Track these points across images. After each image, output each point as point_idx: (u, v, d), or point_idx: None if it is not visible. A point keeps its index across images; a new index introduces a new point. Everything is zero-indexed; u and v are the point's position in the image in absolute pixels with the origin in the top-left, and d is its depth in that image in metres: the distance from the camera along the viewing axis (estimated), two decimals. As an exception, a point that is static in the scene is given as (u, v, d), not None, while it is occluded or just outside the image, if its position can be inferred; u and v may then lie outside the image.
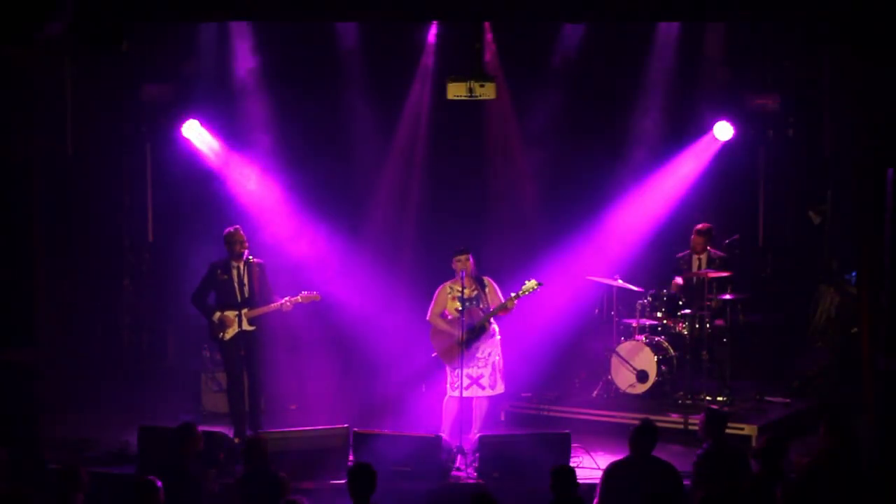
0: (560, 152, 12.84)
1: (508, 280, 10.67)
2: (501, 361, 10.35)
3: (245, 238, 10.69)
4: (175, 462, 8.30)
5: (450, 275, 10.39)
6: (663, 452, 8.22)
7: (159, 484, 7.34)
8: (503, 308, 10.20)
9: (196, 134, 12.56)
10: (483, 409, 10.42)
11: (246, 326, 10.62)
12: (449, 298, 10.32)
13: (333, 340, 12.50)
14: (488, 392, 10.30)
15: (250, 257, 10.73)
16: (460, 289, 10.15)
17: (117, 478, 9.56)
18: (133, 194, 13.01)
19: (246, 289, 10.63)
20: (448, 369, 10.34)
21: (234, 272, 10.64)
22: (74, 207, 12.42)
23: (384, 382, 12.26)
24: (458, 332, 10.16)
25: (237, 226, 10.83)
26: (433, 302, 10.40)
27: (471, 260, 10.22)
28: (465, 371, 10.16)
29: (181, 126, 12.56)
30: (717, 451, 8.20)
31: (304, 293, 10.63)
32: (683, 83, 12.67)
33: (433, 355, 10.48)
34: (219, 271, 10.67)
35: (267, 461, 8.20)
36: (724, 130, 12.51)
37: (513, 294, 10.17)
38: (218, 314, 10.64)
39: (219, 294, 10.68)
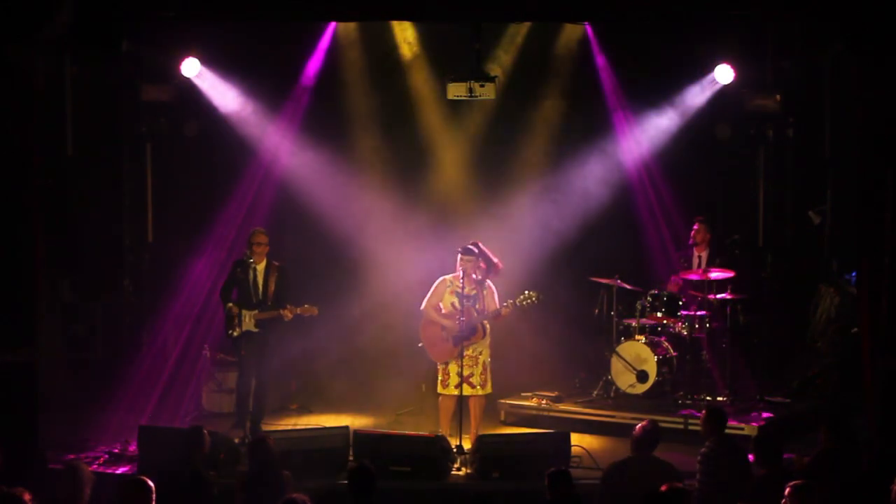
0: (560, 151, 12.85)
1: (508, 280, 10.67)
2: (490, 362, 10.34)
3: (265, 240, 10.69)
4: (185, 464, 8.29)
5: (450, 270, 10.37)
6: (663, 452, 8.22)
7: (151, 485, 7.34)
8: (497, 315, 10.20)
9: (196, 71, 12.43)
10: (480, 409, 10.40)
11: (251, 328, 10.63)
12: (447, 292, 10.30)
13: (333, 340, 12.50)
14: (478, 391, 10.26)
15: (273, 262, 10.73)
16: (461, 286, 10.14)
17: (117, 478, 9.56)
18: (133, 194, 13.01)
19: (260, 290, 10.63)
20: (439, 366, 10.33)
21: (251, 272, 10.64)
22: (74, 207, 12.41)
23: (384, 382, 12.26)
24: (451, 328, 10.15)
25: (259, 227, 10.82)
26: (430, 293, 10.36)
27: (479, 263, 10.18)
28: (456, 369, 10.16)
29: (181, 126, 12.55)
30: (720, 448, 8.20)
31: (306, 305, 10.61)
32: (683, 83, 12.68)
33: (419, 345, 10.46)
34: (238, 269, 10.70)
35: (271, 460, 8.20)
36: (725, 73, 12.39)
37: (509, 301, 10.16)
38: (229, 306, 10.66)
39: (238, 291, 10.71)
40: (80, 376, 12.41)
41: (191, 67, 12.34)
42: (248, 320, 10.60)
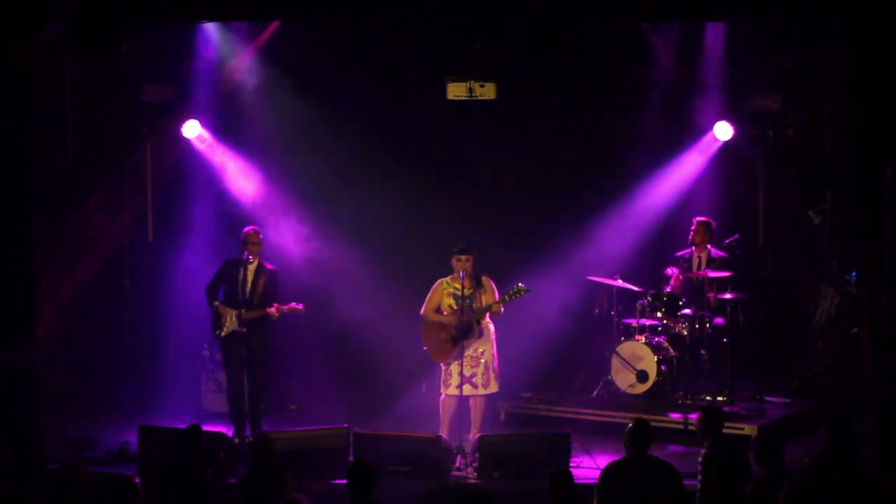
0: (560, 151, 12.84)
1: (507, 280, 10.66)
2: (495, 361, 10.35)
3: (259, 241, 10.72)
4: (185, 463, 8.30)
5: (448, 272, 10.38)
6: (663, 452, 8.22)
7: (137, 481, 7.35)
8: (489, 310, 10.21)
9: (196, 134, 12.58)
10: (480, 409, 10.42)
11: (237, 328, 10.62)
12: (445, 294, 10.34)
13: (333, 340, 12.50)
14: (481, 391, 10.29)
15: (264, 263, 10.74)
16: (458, 286, 10.15)
17: (113, 477, 9.56)
18: (133, 194, 13.01)
19: (248, 289, 10.63)
20: (442, 367, 10.35)
21: (242, 271, 10.65)
22: (74, 207, 12.42)
23: (383, 382, 12.26)
24: (450, 329, 10.16)
25: (255, 227, 10.86)
26: (429, 296, 10.41)
27: (471, 261, 10.22)
28: (457, 370, 10.16)
29: (181, 126, 12.56)
30: (719, 449, 8.18)
31: (293, 304, 10.62)
32: (683, 83, 12.68)
33: (424, 349, 10.49)
34: (230, 267, 10.71)
35: (272, 460, 8.21)
36: (724, 130, 12.53)
37: (499, 297, 10.18)
38: (217, 304, 10.66)
39: (226, 289, 10.71)
40: (80, 376, 12.41)
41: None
42: (233, 320, 10.60)
